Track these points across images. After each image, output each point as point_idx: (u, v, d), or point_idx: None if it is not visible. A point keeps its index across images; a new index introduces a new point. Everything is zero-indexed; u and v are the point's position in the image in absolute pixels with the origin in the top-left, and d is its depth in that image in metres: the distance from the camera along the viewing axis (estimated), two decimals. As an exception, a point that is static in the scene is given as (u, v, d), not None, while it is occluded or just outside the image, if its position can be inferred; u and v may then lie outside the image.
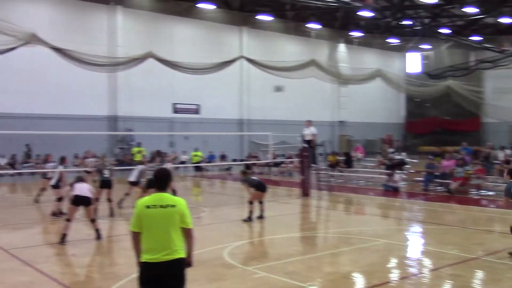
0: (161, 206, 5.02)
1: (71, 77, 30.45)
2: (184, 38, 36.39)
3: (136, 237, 5.10)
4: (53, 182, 14.62)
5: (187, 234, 5.13)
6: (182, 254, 5.04)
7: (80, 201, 10.92)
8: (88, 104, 31.96)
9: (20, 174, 27.79)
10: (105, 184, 14.45)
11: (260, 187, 13.76)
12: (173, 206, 5.04)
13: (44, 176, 16.69)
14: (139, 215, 5.04)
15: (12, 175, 27.39)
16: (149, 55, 30.59)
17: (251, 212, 13.48)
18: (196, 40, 37.10)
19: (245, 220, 13.34)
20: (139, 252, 5.09)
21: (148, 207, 5.03)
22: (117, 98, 33.43)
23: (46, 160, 17.04)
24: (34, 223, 13.89)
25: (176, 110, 36.18)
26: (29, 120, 28.77)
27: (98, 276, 8.38)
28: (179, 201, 5.13)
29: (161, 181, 5.22)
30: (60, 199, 14.23)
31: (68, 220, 10.87)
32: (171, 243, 4.96)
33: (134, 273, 6.91)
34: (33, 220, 14.36)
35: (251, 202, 13.61)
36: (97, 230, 11.18)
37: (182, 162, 32.11)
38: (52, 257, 9.74)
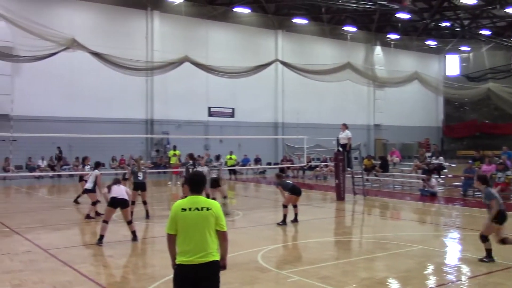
0: (197, 209, 5.07)
1: (110, 81, 31.12)
2: (220, 42, 36.67)
3: (171, 239, 5.16)
4: (88, 185, 14.88)
5: (222, 237, 5.17)
6: (216, 257, 5.08)
7: (117, 203, 11.12)
8: (125, 108, 32.59)
9: (59, 176, 28.51)
10: (139, 186, 14.66)
11: (294, 190, 13.72)
12: (208, 208, 5.09)
13: (82, 178, 17.14)
14: (175, 218, 5.10)
15: (51, 176, 28.14)
16: (185, 59, 30.98)
17: (285, 216, 13.45)
18: (231, 44, 37.34)
19: (279, 224, 13.34)
20: (174, 254, 5.15)
21: (183, 209, 5.08)
22: (154, 102, 33.96)
23: (83, 163, 17.39)
24: (73, 224, 14.22)
25: (211, 114, 36.49)
26: (69, 123, 29.54)
27: (133, 277, 8.51)
28: (214, 204, 5.18)
29: (196, 184, 5.26)
30: (94, 203, 14.52)
31: (105, 221, 11.09)
32: (206, 245, 5.00)
33: (169, 275, 7.00)
34: (72, 221, 14.69)
35: (285, 206, 13.58)
36: (133, 232, 11.36)
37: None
38: (89, 257, 9.95)
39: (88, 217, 14.39)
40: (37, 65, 28.12)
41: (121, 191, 11.25)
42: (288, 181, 14.28)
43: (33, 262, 9.49)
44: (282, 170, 32.17)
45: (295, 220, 13.62)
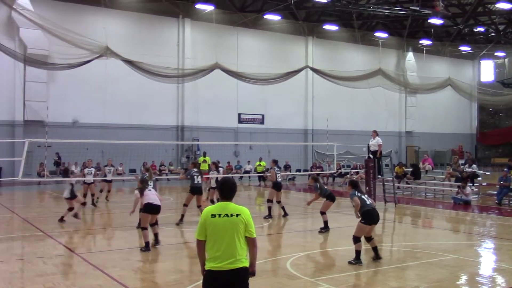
0: (226, 215, 5.08)
1: (141, 88, 31.60)
2: (250, 49, 36.84)
3: (201, 245, 5.17)
4: (65, 194, 14.81)
5: (251, 243, 5.16)
6: (245, 263, 5.07)
7: (153, 209, 11.15)
8: (156, 114, 33.01)
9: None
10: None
11: (332, 197, 13.72)
12: (238, 215, 5.09)
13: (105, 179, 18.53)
14: (204, 224, 5.12)
15: (84, 182, 28.59)
16: (216, 66, 31.26)
17: (326, 222, 13.41)
18: (262, 50, 37.47)
19: (321, 231, 13.24)
20: (203, 260, 5.16)
21: (213, 215, 5.10)
22: (184, 108, 34.28)
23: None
24: (103, 228, 14.44)
25: (241, 120, 36.62)
26: (102, 129, 30.10)
27: (162, 282, 8.57)
28: (244, 211, 5.17)
29: (227, 190, 5.28)
30: (71, 209, 14.59)
31: (145, 228, 11.04)
32: (235, 251, 5.00)
33: (198, 281, 7.04)
34: (102, 225, 14.92)
35: (323, 213, 13.51)
36: (155, 235, 11.42)
37: (246, 172, 32.39)
38: (120, 262, 10.07)
39: (61, 220, 14.47)
40: (71, 73, 28.86)
41: (155, 196, 11.31)
42: (325, 187, 14.23)
43: (65, 265, 9.67)
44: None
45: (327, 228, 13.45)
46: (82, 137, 26.70)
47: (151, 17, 33.62)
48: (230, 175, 26.91)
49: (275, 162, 17.60)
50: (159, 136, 31.60)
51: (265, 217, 15.59)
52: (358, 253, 9.65)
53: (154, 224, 11.42)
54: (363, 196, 9.99)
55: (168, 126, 33.83)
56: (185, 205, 14.81)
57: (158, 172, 30.66)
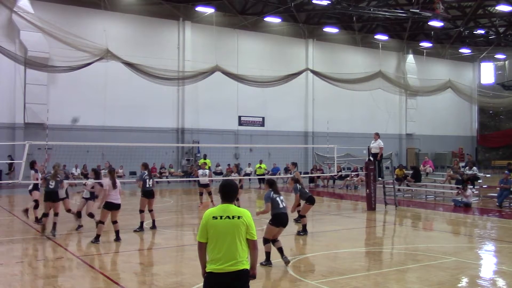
0: (228, 217, 5.07)
1: (142, 90, 31.62)
2: (250, 52, 36.88)
3: (202, 247, 5.16)
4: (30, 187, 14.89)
5: (252, 245, 5.16)
6: (246, 265, 5.07)
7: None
8: (157, 117, 33.04)
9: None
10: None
11: (311, 200, 13.55)
12: (239, 217, 5.09)
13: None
14: (206, 226, 5.11)
15: (84, 184, 28.58)
16: (216, 68, 31.29)
17: (304, 226, 13.40)
18: (262, 53, 37.50)
19: (299, 234, 13.21)
20: (204, 262, 5.16)
21: (215, 217, 5.09)
22: (185, 111, 34.30)
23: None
24: (104, 231, 14.40)
25: (241, 123, 36.63)
26: (102, 131, 30.10)
27: (163, 285, 8.56)
28: (245, 213, 5.16)
29: (228, 193, 5.28)
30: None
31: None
32: (236, 254, 5.00)
33: (198, 283, 7.03)
34: (104, 228, 14.89)
35: (304, 216, 13.51)
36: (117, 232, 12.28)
37: (247, 174, 32.36)
38: (120, 264, 10.07)
39: (38, 220, 14.24)
40: (72, 75, 28.88)
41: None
42: (305, 190, 13.99)
43: (66, 268, 9.67)
44: (312, 179, 32.05)
45: (304, 232, 13.31)
46: (82, 140, 26.67)
47: (151, 19, 33.67)
48: (231, 177, 26.86)
49: (295, 164, 17.48)
50: (159, 139, 31.62)
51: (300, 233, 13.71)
52: (268, 254, 9.66)
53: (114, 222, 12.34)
54: (277, 198, 9.89)
55: (169, 129, 33.84)
56: (141, 211, 13.93)
57: (158, 175, 30.68)
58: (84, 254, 10.77)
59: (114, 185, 12.06)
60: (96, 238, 11.98)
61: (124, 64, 29.27)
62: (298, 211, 14.31)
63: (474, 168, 22.87)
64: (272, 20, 35.72)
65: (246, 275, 5.07)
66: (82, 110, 30.69)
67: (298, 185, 13.48)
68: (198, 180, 19.86)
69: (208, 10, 33.38)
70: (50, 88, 30.14)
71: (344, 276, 8.97)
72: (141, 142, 28.18)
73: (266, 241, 9.72)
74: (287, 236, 13.50)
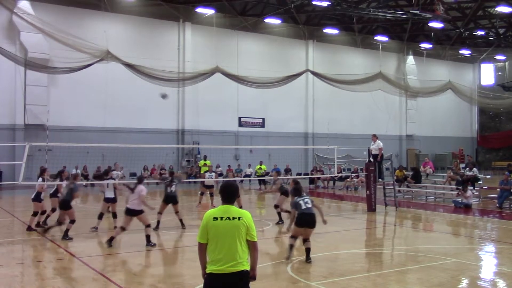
0: (228, 218, 5.08)
1: (142, 91, 31.64)
2: (250, 53, 36.88)
3: (202, 248, 5.17)
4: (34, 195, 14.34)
5: (252, 246, 5.16)
6: (246, 267, 5.07)
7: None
8: (157, 118, 33.04)
9: (92, 185, 28.93)
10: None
11: (286, 193, 14.98)
12: (239, 218, 5.09)
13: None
14: (206, 226, 5.11)
15: (85, 185, 28.60)
16: (216, 69, 31.30)
17: (279, 213, 15.15)
18: (262, 54, 37.51)
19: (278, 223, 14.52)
20: (204, 263, 5.16)
21: (215, 218, 5.10)
22: (185, 112, 34.29)
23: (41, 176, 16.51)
24: (105, 232, 14.40)
25: (241, 124, 36.63)
26: (102, 133, 30.10)
27: (163, 286, 8.56)
28: (245, 214, 5.17)
29: (228, 194, 5.28)
30: (36, 214, 14.13)
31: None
32: (236, 255, 5.01)
33: (199, 284, 7.02)
34: (104, 229, 14.88)
35: (278, 206, 15.22)
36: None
37: (247, 175, 32.37)
38: (120, 266, 10.07)
39: (30, 228, 13.88)
40: (72, 76, 28.89)
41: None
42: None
43: (66, 269, 9.66)
44: (312, 180, 32.03)
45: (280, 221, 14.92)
46: (82, 141, 26.68)
47: (151, 21, 33.67)
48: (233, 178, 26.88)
49: (279, 173, 18.03)
50: (159, 140, 31.60)
51: (278, 223, 15.54)
52: (290, 246, 10.26)
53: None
54: (300, 201, 10.34)
55: (169, 130, 33.84)
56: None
57: (158, 176, 30.62)
58: (85, 255, 10.76)
59: (132, 190, 12.14)
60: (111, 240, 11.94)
61: (124, 65, 29.28)
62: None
63: (474, 169, 22.86)
64: (272, 21, 35.73)
65: (246, 276, 5.08)
66: (82, 111, 30.70)
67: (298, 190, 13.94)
68: (203, 180, 20.38)
69: (208, 11, 33.40)
70: (51, 89, 30.14)
71: (345, 277, 8.97)
72: (141, 143, 28.17)
73: (292, 236, 10.36)
74: (288, 237, 13.50)
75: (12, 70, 28.77)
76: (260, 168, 32.09)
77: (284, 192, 15.52)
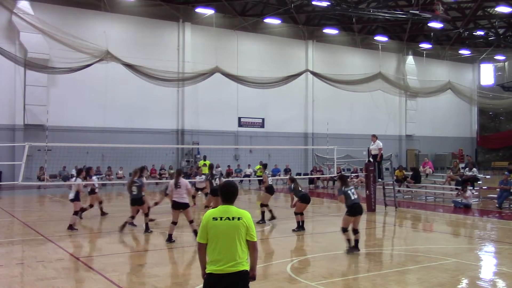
0: (228, 218, 5.08)
1: (142, 92, 31.64)
2: (250, 53, 36.88)
3: (202, 248, 5.17)
4: (70, 196, 14.70)
5: (252, 247, 5.16)
6: (246, 267, 5.08)
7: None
8: (156, 118, 33.04)
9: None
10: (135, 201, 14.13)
11: (304, 199, 14.00)
12: (239, 218, 5.10)
13: (93, 191, 17.03)
14: (206, 227, 5.12)
15: (85, 186, 28.58)
16: (216, 70, 31.31)
17: (299, 222, 13.97)
18: (262, 54, 37.51)
19: (294, 230, 13.83)
20: (204, 263, 5.16)
21: (215, 219, 5.10)
22: (185, 112, 34.29)
23: (88, 174, 16.49)
24: (105, 232, 14.42)
25: (241, 124, 36.63)
26: (102, 133, 30.10)
27: (163, 286, 8.56)
28: (245, 214, 5.17)
29: (228, 194, 5.28)
30: (77, 213, 14.39)
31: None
32: (236, 255, 5.01)
33: (198, 284, 7.02)
34: (104, 230, 14.91)
35: (296, 213, 14.07)
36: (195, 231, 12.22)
37: (247, 176, 32.37)
38: (121, 266, 10.06)
39: (71, 227, 13.98)
40: (72, 77, 28.89)
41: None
42: (300, 189, 14.30)
43: (66, 270, 9.66)
44: (312, 180, 32.03)
45: (301, 228, 13.97)
46: (82, 141, 26.68)
47: (151, 21, 33.67)
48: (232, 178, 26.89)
49: (265, 166, 18.60)
50: (159, 140, 31.61)
51: (259, 222, 15.32)
52: (348, 241, 10.88)
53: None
54: (349, 191, 11.11)
55: (168, 130, 33.83)
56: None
57: (158, 176, 30.68)
58: (84, 256, 10.76)
59: (176, 185, 12.47)
60: (169, 238, 12.24)
61: (124, 66, 29.29)
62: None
63: (474, 169, 22.87)
64: (272, 21, 35.74)
65: (246, 276, 5.08)
66: (82, 111, 30.69)
67: (293, 184, 14.35)
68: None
69: (208, 12, 33.40)
70: (50, 90, 30.14)
71: (344, 277, 8.97)
72: (141, 143, 28.18)
73: (344, 229, 10.95)
74: (288, 237, 13.50)
75: (12, 70, 28.77)
76: (260, 169, 32.06)
77: (268, 188, 15.93)
